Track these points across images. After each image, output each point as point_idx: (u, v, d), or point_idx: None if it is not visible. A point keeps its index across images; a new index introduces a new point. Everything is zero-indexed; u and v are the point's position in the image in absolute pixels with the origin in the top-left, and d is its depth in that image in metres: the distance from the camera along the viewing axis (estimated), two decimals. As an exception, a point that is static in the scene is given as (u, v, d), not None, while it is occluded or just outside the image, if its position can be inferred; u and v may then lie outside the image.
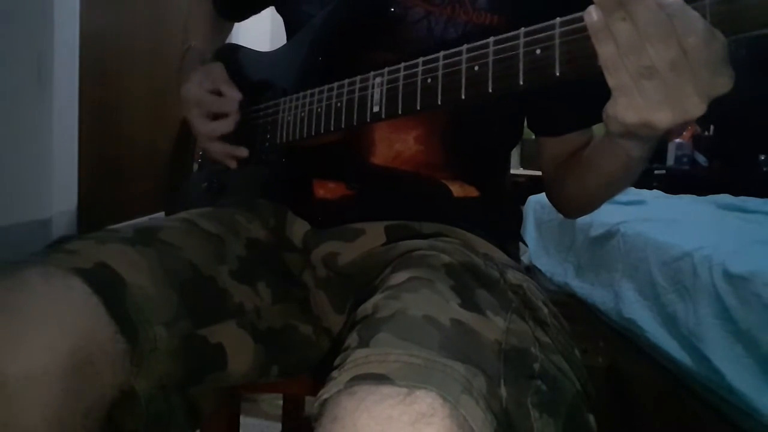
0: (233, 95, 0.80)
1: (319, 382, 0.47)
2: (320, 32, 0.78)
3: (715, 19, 0.44)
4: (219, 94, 0.81)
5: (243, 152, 0.82)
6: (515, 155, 3.61)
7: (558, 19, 0.50)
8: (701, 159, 3.34)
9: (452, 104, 0.58)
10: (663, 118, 0.47)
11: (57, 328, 0.51)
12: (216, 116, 0.81)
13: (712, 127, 3.38)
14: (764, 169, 3.07)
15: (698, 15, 0.44)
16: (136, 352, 0.55)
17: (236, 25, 1.12)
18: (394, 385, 0.42)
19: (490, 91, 0.55)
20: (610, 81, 0.48)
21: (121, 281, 0.57)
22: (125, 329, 0.55)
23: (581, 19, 0.48)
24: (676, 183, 2.89)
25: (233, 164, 0.83)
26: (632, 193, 2.28)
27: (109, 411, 0.54)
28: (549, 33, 0.50)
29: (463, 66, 0.56)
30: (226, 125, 0.81)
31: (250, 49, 0.95)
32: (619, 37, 0.46)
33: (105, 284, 0.55)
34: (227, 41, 1.06)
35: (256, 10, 1.00)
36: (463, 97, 0.57)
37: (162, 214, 1.08)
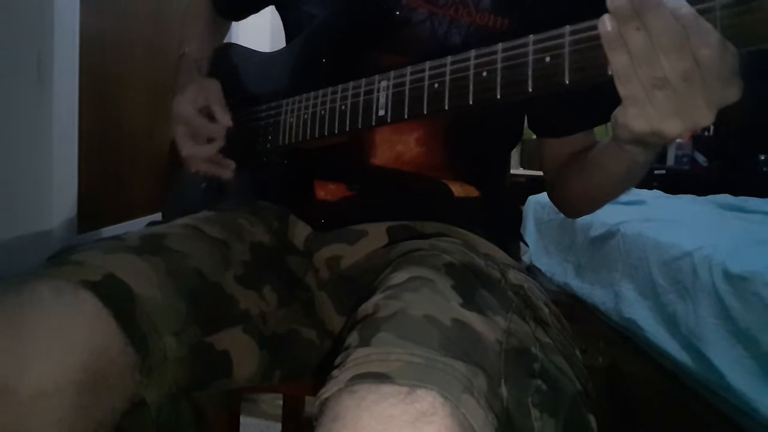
0: (223, 121, 0.78)
1: (319, 382, 0.47)
2: (323, 33, 0.78)
3: (726, 31, 0.43)
4: (211, 113, 0.79)
5: (227, 173, 0.80)
6: (515, 155, 3.61)
7: (568, 27, 0.50)
8: (701, 159, 3.34)
9: (459, 110, 0.58)
10: (673, 127, 0.48)
11: (69, 344, 0.51)
12: (202, 138, 0.80)
13: (712, 127, 3.38)
14: (764, 169, 3.07)
15: (712, 27, 0.44)
16: (146, 364, 0.55)
17: (236, 24, 1.12)
18: (394, 384, 0.42)
19: (499, 97, 0.54)
20: (622, 91, 0.48)
21: (130, 292, 0.57)
22: (135, 341, 0.55)
23: (591, 28, 0.48)
24: (676, 183, 2.90)
25: (226, 175, 0.81)
26: (632, 193, 2.25)
27: (119, 423, 0.54)
28: (558, 41, 0.50)
29: (471, 72, 0.56)
30: (209, 150, 0.79)
31: (251, 49, 0.94)
32: (633, 47, 0.46)
33: (115, 296, 0.55)
34: (225, 41, 1.06)
35: (257, 9, 1.00)
36: (470, 102, 0.56)
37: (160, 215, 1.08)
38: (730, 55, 0.44)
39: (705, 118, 0.47)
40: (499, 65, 0.54)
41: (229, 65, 0.91)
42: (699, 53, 0.44)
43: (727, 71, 0.45)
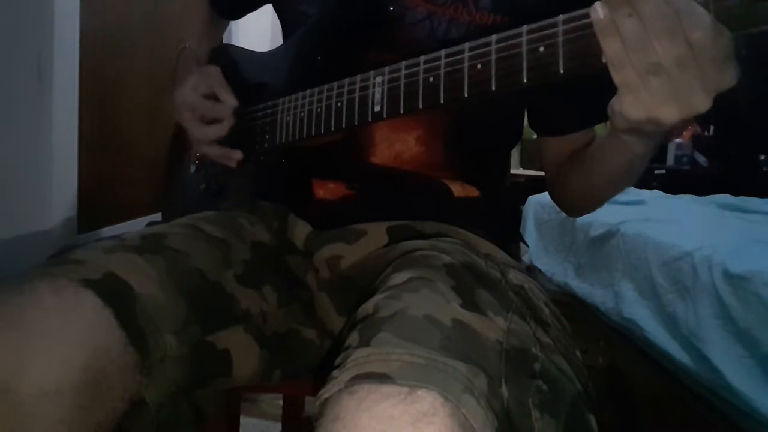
0: (229, 101, 0.79)
1: (319, 382, 0.47)
2: (319, 31, 0.78)
3: (720, 15, 0.43)
4: (215, 98, 0.80)
5: (238, 155, 0.80)
6: (515, 155, 3.61)
7: (561, 17, 0.50)
8: (701, 159, 3.33)
9: (455, 103, 0.58)
10: (669, 113, 0.47)
11: (70, 344, 0.51)
12: (210, 120, 0.80)
13: (712, 127, 3.37)
14: (764, 169, 3.07)
15: (704, 11, 0.43)
16: (146, 363, 0.56)
17: (236, 24, 1.12)
18: (395, 384, 0.42)
19: (494, 89, 0.54)
20: (616, 78, 0.48)
21: (130, 291, 0.57)
22: (135, 340, 0.55)
23: (584, 16, 0.48)
24: (676, 183, 2.89)
25: (233, 164, 0.82)
26: (632, 193, 2.28)
27: (118, 422, 0.54)
28: (552, 30, 0.50)
29: (466, 64, 0.56)
30: (220, 130, 0.79)
31: (247, 49, 0.94)
32: (626, 34, 0.45)
33: (115, 295, 0.55)
34: (223, 41, 1.06)
35: (253, 7, 1.00)
36: (466, 95, 0.56)
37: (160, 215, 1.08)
38: (724, 38, 0.44)
39: (701, 103, 0.46)
40: (493, 57, 0.54)
41: (225, 65, 0.92)
42: (691, 37, 0.44)
43: (722, 55, 0.44)
